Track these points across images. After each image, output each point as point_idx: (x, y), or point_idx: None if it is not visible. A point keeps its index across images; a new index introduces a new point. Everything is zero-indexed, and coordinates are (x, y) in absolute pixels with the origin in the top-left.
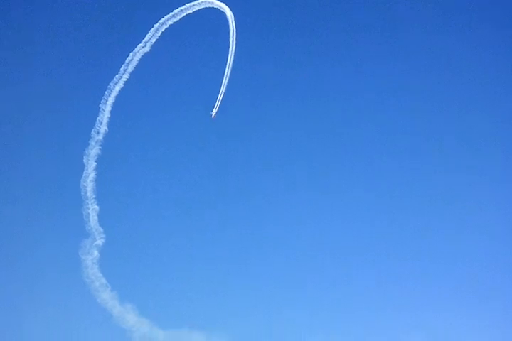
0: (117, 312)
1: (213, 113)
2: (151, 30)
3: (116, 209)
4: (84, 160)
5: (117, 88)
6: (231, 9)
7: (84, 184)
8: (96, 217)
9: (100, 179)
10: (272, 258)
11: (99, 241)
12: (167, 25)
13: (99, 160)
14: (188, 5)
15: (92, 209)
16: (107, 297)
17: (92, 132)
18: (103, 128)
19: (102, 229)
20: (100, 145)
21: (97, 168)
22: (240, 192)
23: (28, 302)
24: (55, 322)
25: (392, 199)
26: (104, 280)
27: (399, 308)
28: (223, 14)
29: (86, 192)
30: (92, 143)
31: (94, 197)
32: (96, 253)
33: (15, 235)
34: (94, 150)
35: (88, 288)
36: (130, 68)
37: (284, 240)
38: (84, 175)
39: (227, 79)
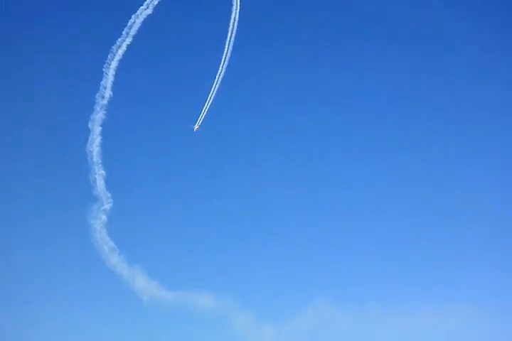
0: (126, 275)
1: (196, 127)
2: None
3: (123, 173)
4: (90, 126)
5: (120, 52)
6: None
7: (91, 149)
8: (103, 182)
9: (106, 144)
10: (277, 216)
11: (107, 206)
12: None
13: (105, 125)
14: None
15: (99, 175)
16: (115, 260)
17: (97, 97)
18: (107, 93)
19: (109, 194)
20: (105, 110)
21: (102, 133)
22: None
23: (38, 269)
24: (65, 287)
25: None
26: (112, 244)
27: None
28: None
29: (92, 158)
30: (97, 108)
31: (100, 162)
32: (104, 217)
33: (23, 203)
34: (99, 115)
35: (97, 252)
36: (133, 31)
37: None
38: (89, 140)
39: (213, 95)
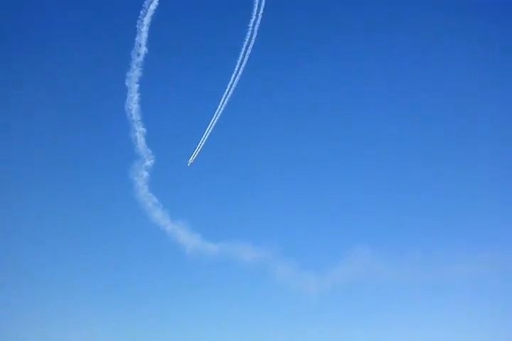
0: (170, 229)
1: (190, 161)
2: None
3: (163, 129)
4: (127, 83)
5: (152, 7)
6: None
7: (129, 107)
8: (143, 139)
9: (144, 101)
10: (313, 163)
11: (148, 163)
12: None
13: (141, 82)
14: None
15: (140, 132)
16: (159, 216)
17: (132, 54)
18: (142, 50)
19: (150, 151)
20: (141, 67)
21: (139, 90)
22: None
23: (85, 227)
24: (111, 243)
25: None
26: (155, 200)
27: None
28: None
29: (131, 116)
30: (133, 65)
31: (140, 119)
32: (146, 174)
33: (67, 164)
34: (135, 73)
35: (141, 208)
36: None
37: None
38: (128, 98)
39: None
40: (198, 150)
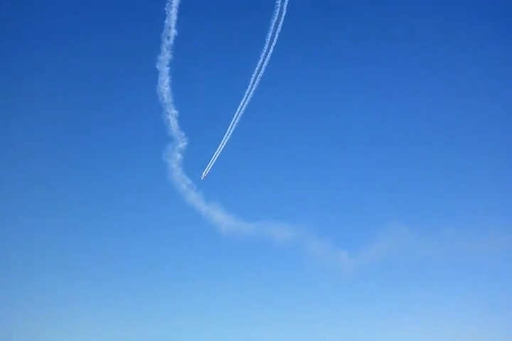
0: (204, 210)
1: (204, 175)
2: None
3: (195, 111)
4: (158, 67)
5: None
6: None
7: (161, 90)
8: (176, 122)
9: (176, 83)
10: (348, 143)
11: (181, 145)
12: None
13: (172, 64)
14: None
15: (172, 114)
16: (193, 197)
17: (162, 37)
18: (172, 32)
19: (183, 133)
20: (171, 50)
21: (170, 73)
22: None
23: (119, 208)
24: (147, 226)
25: None
26: (189, 181)
27: None
28: None
29: (163, 98)
30: (163, 48)
31: (171, 102)
32: (179, 156)
33: (101, 147)
34: (166, 56)
35: (175, 190)
36: None
37: None
38: (159, 81)
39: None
40: (211, 164)
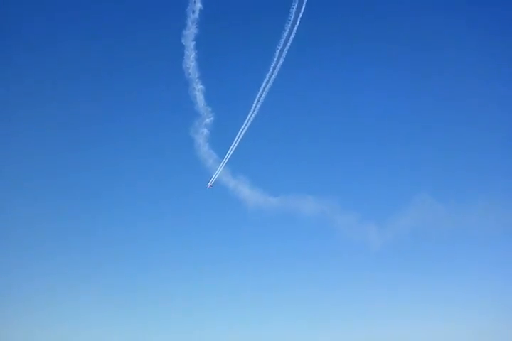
0: (232, 185)
1: (209, 184)
2: None
3: (221, 87)
4: (183, 42)
5: None
6: None
7: (187, 65)
8: (202, 97)
9: (201, 58)
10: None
11: (208, 120)
12: None
13: (198, 39)
14: None
15: (198, 90)
16: (220, 171)
17: (187, 11)
18: (197, 6)
19: (209, 108)
20: (197, 24)
21: (196, 48)
22: None
23: (149, 182)
24: (175, 201)
25: None
26: (216, 156)
27: None
28: None
29: (189, 74)
30: (189, 23)
31: (198, 77)
32: (206, 131)
33: (129, 123)
34: (191, 30)
35: (203, 165)
36: None
37: None
38: (185, 56)
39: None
40: (217, 174)
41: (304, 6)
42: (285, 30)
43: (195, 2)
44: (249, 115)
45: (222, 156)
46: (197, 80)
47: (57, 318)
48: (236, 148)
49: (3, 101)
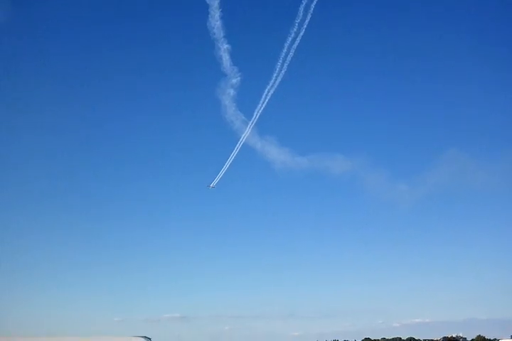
0: (259, 146)
1: (212, 185)
2: None
3: (247, 45)
4: (207, 0)
5: None
6: None
7: (212, 25)
8: (228, 57)
9: (227, 17)
10: None
11: (235, 80)
12: None
13: None
14: None
15: (224, 49)
16: (247, 133)
17: None
18: None
19: (236, 68)
20: None
21: (220, 6)
22: None
23: (174, 145)
24: (202, 163)
25: None
26: (243, 117)
27: None
28: None
29: (214, 33)
30: None
31: (223, 36)
32: (232, 91)
33: (152, 85)
34: None
35: (230, 127)
36: None
37: None
38: (209, 15)
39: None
40: (220, 175)
41: None
42: None
43: None
44: (276, 74)
45: (249, 117)
46: (222, 40)
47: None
48: (264, 108)
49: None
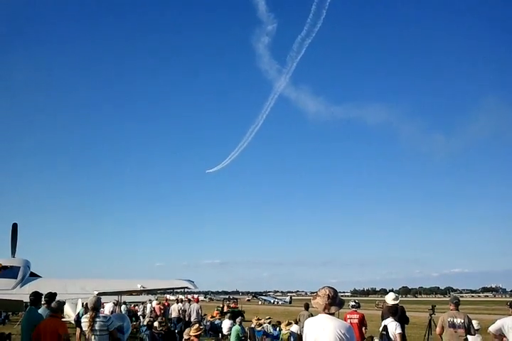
0: (294, 96)
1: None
2: None
3: None
4: None
5: None
6: None
7: None
8: (264, 2)
9: None
10: None
11: (270, 27)
12: None
13: None
14: None
15: None
16: (282, 82)
17: None
18: None
19: (272, 15)
20: None
21: None
22: None
23: (207, 95)
24: (235, 113)
25: None
26: (278, 66)
27: None
28: None
29: None
30: None
31: None
32: (268, 39)
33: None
34: None
35: (264, 76)
36: None
37: None
38: None
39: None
40: (226, 162)
41: None
42: None
43: None
44: (311, 21)
45: (284, 66)
46: None
47: None
48: (299, 57)
49: None
